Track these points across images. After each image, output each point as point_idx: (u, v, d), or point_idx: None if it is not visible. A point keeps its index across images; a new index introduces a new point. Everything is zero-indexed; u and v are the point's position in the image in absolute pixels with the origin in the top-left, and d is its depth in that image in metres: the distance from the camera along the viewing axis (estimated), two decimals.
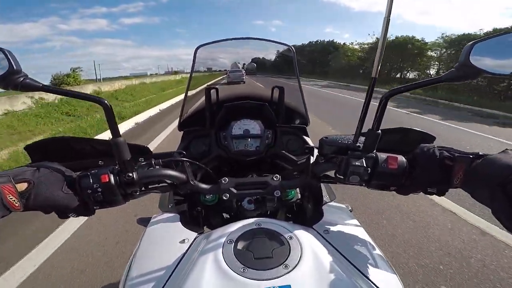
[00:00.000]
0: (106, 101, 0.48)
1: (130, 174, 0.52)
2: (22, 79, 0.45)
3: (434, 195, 0.54)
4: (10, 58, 0.44)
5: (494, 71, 0.46)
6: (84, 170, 0.52)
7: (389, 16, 0.46)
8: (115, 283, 1.54)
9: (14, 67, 0.44)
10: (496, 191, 0.40)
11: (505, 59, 0.48)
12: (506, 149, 0.45)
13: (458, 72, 0.47)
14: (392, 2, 0.46)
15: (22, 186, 0.44)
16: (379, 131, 0.52)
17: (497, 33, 0.47)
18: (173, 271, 0.49)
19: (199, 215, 0.82)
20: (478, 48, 0.46)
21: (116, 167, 0.52)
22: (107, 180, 0.50)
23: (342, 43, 34.02)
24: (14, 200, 0.42)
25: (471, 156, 0.47)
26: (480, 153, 0.47)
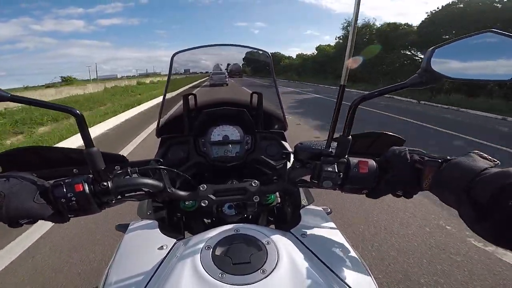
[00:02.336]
0: (77, 111, 0.48)
1: (105, 183, 0.51)
2: None
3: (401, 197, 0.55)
4: None
5: (455, 76, 0.48)
6: (58, 179, 0.51)
7: (356, 23, 0.47)
8: None
9: None
10: (461, 195, 0.42)
11: (465, 63, 0.50)
12: (469, 152, 0.47)
13: (420, 78, 0.48)
14: (359, 9, 0.47)
15: None
16: (350, 136, 0.53)
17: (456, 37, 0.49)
18: (151, 278, 0.49)
19: (180, 221, 0.81)
20: (439, 53, 0.47)
21: (91, 176, 0.52)
22: (81, 189, 0.49)
23: None
24: None
25: (439, 161, 0.48)
26: (448, 157, 0.48)
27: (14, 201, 0.45)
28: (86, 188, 0.50)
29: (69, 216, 0.52)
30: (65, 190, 0.48)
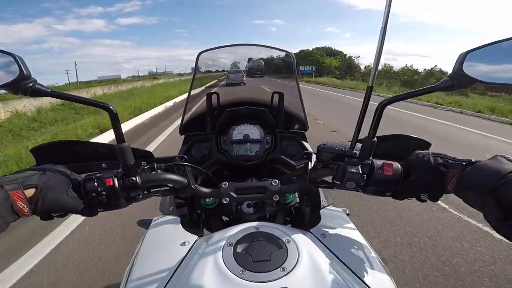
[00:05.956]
0: (111, 107, 0.50)
1: (134, 178, 0.53)
2: (31, 84, 0.46)
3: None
4: (21, 64, 0.44)
5: (487, 79, 0.47)
6: (88, 173, 0.53)
7: (386, 27, 0.47)
8: (115, 284, 1.56)
9: (25, 72, 0.44)
10: (487, 196, 0.42)
11: (499, 67, 0.49)
12: (496, 155, 0.46)
13: (452, 81, 0.48)
14: (389, 12, 0.46)
15: (30, 192, 0.44)
16: (375, 138, 0.53)
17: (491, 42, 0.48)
18: (174, 273, 0.50)
19: (199, 218, 0.83)
20: (471, 57, 0.47)
21: (120, 171, 0.53)
22: (112, 184, 0.50)
23: None
24: (23, 206, 0.42)
25: (464, 163, 0.48)
26: (473, 160, 0.48)
27: (49, 194, 0.46)
28: (116, 182, 0.51)
29: (98, 210, 0.53)
30: (96, 184, 0.50)
